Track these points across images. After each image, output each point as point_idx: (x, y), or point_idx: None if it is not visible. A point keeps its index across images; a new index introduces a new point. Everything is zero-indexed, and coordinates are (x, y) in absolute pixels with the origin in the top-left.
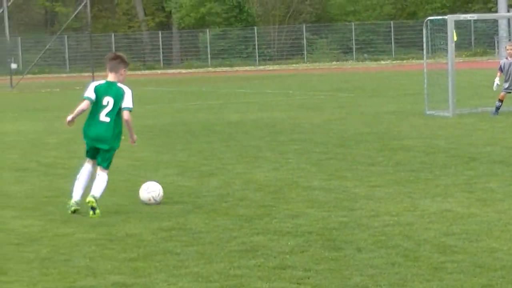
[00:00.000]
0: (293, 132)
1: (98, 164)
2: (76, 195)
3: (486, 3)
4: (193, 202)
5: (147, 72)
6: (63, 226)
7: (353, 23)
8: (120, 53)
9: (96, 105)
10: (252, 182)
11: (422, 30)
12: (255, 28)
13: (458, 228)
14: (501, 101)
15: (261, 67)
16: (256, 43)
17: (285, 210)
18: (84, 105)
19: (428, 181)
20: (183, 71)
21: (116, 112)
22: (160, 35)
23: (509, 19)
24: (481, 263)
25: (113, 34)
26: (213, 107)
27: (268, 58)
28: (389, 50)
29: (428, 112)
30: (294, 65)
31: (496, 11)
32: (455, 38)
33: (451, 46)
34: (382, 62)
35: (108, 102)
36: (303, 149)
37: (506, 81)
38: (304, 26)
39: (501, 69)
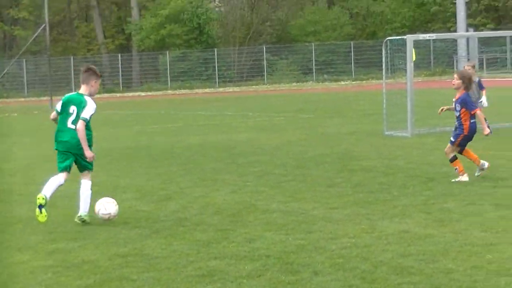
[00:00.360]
0: (252, 154)
1: (82, 171)
2: (47, 190)
3: (445, 23)
4: (151, 227)
5: (106, 95)
6: (19, 253)
7: (313, 44)
8: (92, 66)
9: (64, 114)
10: (210, 206)
11: (381, 50)
12: (215, 49)
13: (415, 249)
14: None
15: (221, 89)
16: (216, 64)
17: (243, 234)
18: (52, 115)
19: (387, 202)
20: (143, 93)
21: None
22: (119, 57)
23: (468, 39)
24: (437, 284)
25: (72, 57)
26: (172, 130)
27: (228, 79)
28: (349, 71)
29: (387, 133)
30: (254, 86)
31: (455, 31)
32: (414, 58)
33: (410, 66)
34: (342, 82)
35: (73, 110)
36: (262, 171)
37: None
38: (264, 47)
39: None
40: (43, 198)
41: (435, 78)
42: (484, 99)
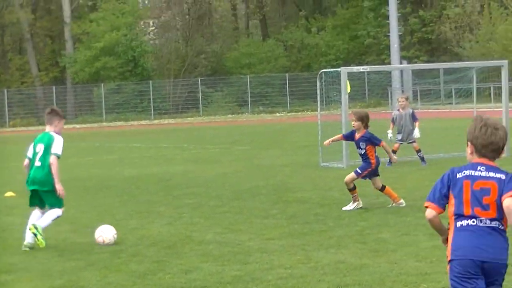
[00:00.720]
0: (188, 186)
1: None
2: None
3: (379, 55)
4: (86, 259)
5: (41, 127)
6: None
7: (248, 76)
8: (55, 107)
9: (33, 153)
10: (146, 237)
11: (316, 82)
12: (150, 82)
13: (351, 279)
14: (394, 151)
15: (156, 121)
16: (151, 97)
17: (179, 265)
18: (25, 163)
19: (322, 232)
20: (77, 126)
21: (48, 157)
22: (54, 90)
23: (402, 71)
24: None
25: (6, 90)
26: (107, 162)
27: (163, 111)
28: (284, 102)
29: (322, 164)
30: (189, 118)
31: (389, 63)
32: (349, 90)
33: (344, 98)
34: (277, 114)
35: (40, 148)
36: (198, 203)
37: (399, 132)
38: (199, 80)
39: (393, 121)
40: (33, 229)
41: (369, 109)
42: (416, 131)
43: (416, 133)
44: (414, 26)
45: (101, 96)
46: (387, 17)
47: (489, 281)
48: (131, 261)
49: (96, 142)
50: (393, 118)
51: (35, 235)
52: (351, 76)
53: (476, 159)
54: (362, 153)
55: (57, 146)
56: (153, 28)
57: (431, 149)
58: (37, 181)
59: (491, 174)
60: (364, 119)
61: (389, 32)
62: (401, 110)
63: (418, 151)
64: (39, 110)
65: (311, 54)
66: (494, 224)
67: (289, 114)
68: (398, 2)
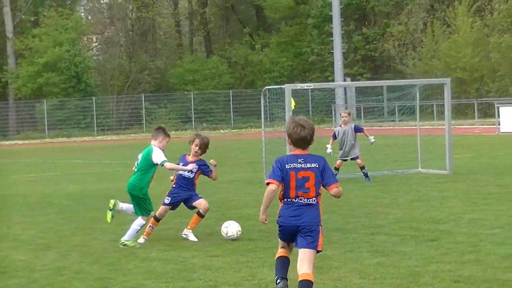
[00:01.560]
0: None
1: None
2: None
3: (323, 72)
4: (28, 277)
5: None
6: None
7: (192, 93)
8: (162, 126)
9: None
10: (89, 254)
11: (260, 99)
12: (94, 98)
13: None
14: (337, 169)
15: (100, 137)
16: (95, 113)
17: (123, 282)
18: (132, 168)
19: (267, 249)
20: (20, 142)
21: (142, 165)
22: None
23: (345, 88)
24: None
25: None
26: (50, 179)
27: (107, 128)
28: (228, 119)
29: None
30: (133, 135)
31: (333, 80)
32: (293, 107)
33: (288, 115)
34: (221, 131)
35: (139, 157)
36: None
37: (340, 149)
38: (143, 96)
39: (334, 137)
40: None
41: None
42: (370, 138)
43: (371, 139)
44: (358, 44)
45: (43, 112)
46: (331, 35)
47: (306, 235)
48: (74, 278)
49: (39, 158)
50: (334, 134)
51: (111, 213)
52: (295, 93)
53: (293, 150)
54: (191, 176)
55: (158, 155)
56: (97, 44)
57: (374, 166)
58: (129, 185)
59: (308, 165)
60: (202, 147)
61: (333, 49)
62: (343, 125)
63: (362, 167)
64: None
65: (255, 71)
66: (311, 201)
67: (233, 130)
68: (342, 19)
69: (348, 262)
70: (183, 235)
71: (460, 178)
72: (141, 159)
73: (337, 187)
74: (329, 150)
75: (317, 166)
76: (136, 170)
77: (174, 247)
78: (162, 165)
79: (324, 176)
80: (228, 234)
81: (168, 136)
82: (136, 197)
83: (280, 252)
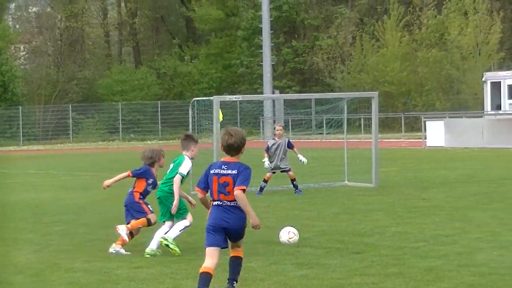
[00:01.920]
0: (57, 213)
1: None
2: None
3: (252, 84)
4: None
5: None
6: None
7: (120, 103)
8: (189, 133)
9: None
10: (12, 265)
11: (188, 110)
12: (20, 107)
13: None
14: (265, 181)
15: (25, 147)
16: (21, 122)
17: None
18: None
19: (191, 261)
20: None
21: (173, 174)
22: None
23: (274, 101)
24: None
25: None
26: None
27: (33, 138)
28: (156, 130)
29: (193, 192)
30: (59, 145)
31: (261, 92)
32: (221, 118)
33: (216, 127)
34: (149, 142)
35: (170, 166)
36: (66, 230)
37: (271, 161)
38: (70, 106)
39: (267, 150)
40: (164, 239)
41: None
42: (300, 157)
43: (302, 159)
44: (287, 56)
45: None
46: (261, 47)
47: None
48: None
49: None
50: (267, 147)
51: (167, 246)
52: (223, 105)
53: (224, 157)
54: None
55: (184, 167)
56: (24, 53)
57: (301, 179)
58: (162, 194)
59: (229, 171)
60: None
61: (262, 61)
62: (277, 138)
63: (294, 180)
64: None
65: (184, 82)
66: (233, 203)
67: (160, 142)
68: (272, 32)
69: (273, 274)
70: (112, 251)
71: (385, 191)
72: (172, 168)
73: (241, 190)
74: (267, 164)
75: (236, 172)
76: (166, 179)
77: (99, 258)
78: (182, 177)
79: (237, 179)
80: (293, 240)
81: (197, 141)
82: (170, 206)
83: (204, 268)
